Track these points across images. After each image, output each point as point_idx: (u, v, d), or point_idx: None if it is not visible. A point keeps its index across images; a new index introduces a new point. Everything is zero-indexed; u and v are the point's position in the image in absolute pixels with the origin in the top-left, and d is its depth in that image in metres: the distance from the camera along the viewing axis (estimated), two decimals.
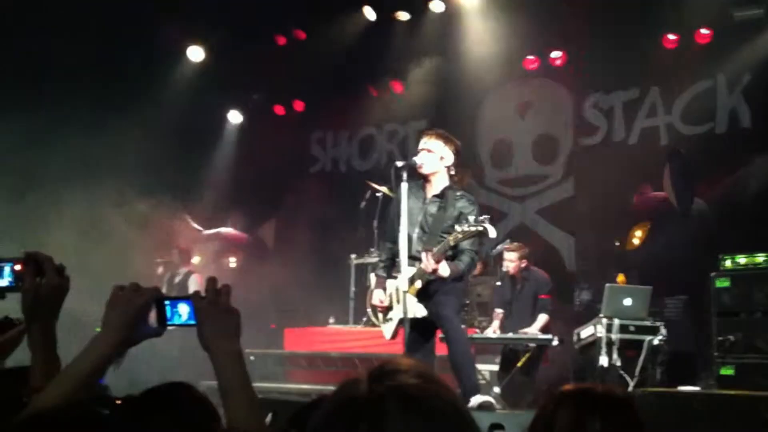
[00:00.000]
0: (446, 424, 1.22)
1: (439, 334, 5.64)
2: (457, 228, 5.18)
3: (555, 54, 10.03)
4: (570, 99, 10.21)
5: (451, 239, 5.20)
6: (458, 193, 5.54)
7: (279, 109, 12.10)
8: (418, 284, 5.40)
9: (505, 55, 10.11)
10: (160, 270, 9.40)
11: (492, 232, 5.21)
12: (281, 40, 11.41)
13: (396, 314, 5.59)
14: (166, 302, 1.94)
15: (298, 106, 12.04)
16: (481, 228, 5.10)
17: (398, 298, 5.52)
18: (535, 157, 10.43)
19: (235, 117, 12.16)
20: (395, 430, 1.19)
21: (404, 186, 5.47)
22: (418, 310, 5.41)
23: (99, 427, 1.74)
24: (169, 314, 1.94)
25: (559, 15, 9.50)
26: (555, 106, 10.35)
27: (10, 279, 2.01)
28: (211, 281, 1.92)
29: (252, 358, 9.08)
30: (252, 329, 9.79)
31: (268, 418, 4.66)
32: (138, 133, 10.03)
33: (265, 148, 11.56)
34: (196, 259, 9.64)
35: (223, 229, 11.03)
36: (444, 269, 5.22)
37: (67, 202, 9.14)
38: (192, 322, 1.91)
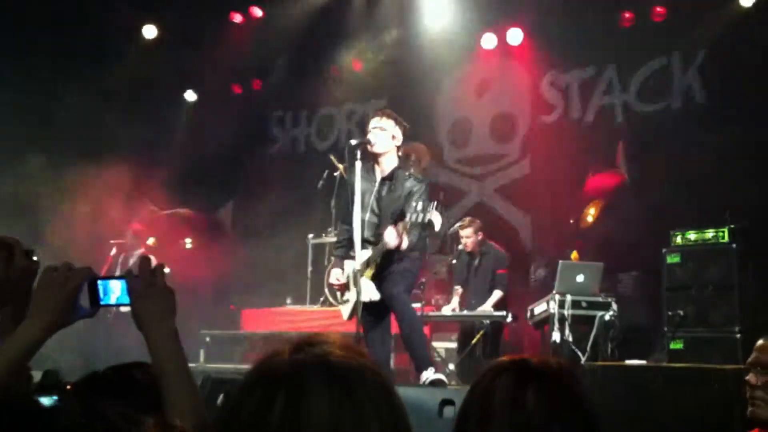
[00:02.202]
0: (369, 398, 1.18)
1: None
2: (406, 219, 5.19)
3: (512, 32, 10.04)
4: (527, 78, 10.23)
5: (400, 228, 5.22)
6: (407, 173, 5.58)
7: (236, 88, 11.98)
8: (372, 267, 5.44)
9: (463, 33, 10.10)
10: (113, 252, 9.28)
11: (437, 225, 5.33)
12: (238, 18, 11.28)
13: (352, 295, 5.60)
14: (99, 282, 1.91)
15: (256, 84, 11.92)
16: (425, 220, 5.14)
17: (354, 280, 5.53)
18: (493, 135, 10.46)
19: (190, 96, 12.00)
20: (315, 400, 1.15)
21: (358, 165, 5.51)
22: (373, 294, 5.45)
23: (31, 414, 1.71)
24: (102, 294, 1.90)
25: None
26: (512, 85, 10.37)
27: None
28: (145, 260, 1.90)
29: (208, 339, 9.06)
30: (210, 310, 9.78)
31: (220, 398, 4.67)
32: (92, 112, 9.88)
33: (222, 127, 11.44)
34: (150, 241, 9.52)
35: (179, 210, 10.91)
36: (405, 242, 5.25)
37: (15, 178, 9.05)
38: (126, 301, 1.88)
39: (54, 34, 10.18)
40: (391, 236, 5.24)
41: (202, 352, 9.03)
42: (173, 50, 11.10)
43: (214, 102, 11.82)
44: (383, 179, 5.58)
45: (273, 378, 1.18)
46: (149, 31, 11.26)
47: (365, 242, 5.50)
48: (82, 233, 9.17)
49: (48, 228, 8.95)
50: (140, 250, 9.23)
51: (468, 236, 8.14)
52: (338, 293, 5.93)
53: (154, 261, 1.92)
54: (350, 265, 5.69)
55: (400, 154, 5.66)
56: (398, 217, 5.40)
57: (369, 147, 5.53)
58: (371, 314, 5.53)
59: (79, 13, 10.14)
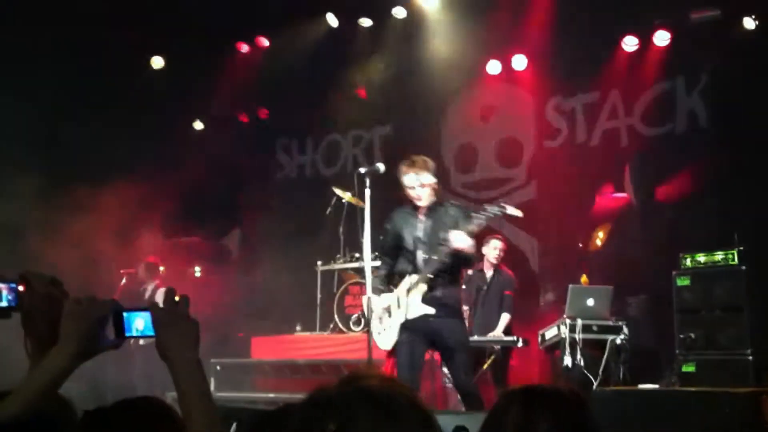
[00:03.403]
0: (410, 422, 1.28)
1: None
2: (475, 215, 5.69)
3: (517, 58, 10.12)
4: (532, 102, 10.30)
5: (472, 226, 5.64)
6: (445, 203, 5.97)
7: (243, 117, 12.08)
8: (423, 287, 5.73)
9: (467, 60, 10.18)
10: (124, 281, 9.32)
11: (514, 211, 6.01)
12: (244, 48, 11.40)
13: (395, 321, 5.83)
14: (124, 313, 1.94)
15: (262, 113, 12.02)
16: (502, 211, 5.81)
17: (398, 303, 5.82)
18: (499, 160, 10.51)
19: (198, 125, 12.09)
20: (363, 428, 1.24)
21: (367, 193, 5.83)
22: (426, 309, 5.70)
23: None
24: (127, 326, 1.94)
25: (520, 20, 9.60)
26: (517, 110, 10.44)
27: (9, 298, 1.99)
28: (170, 292, 1.93)
29: (218, 367, 9.04)
30: (219, 338, 9.78)
31: (233, 428, 4.67)
32: (97, 140, 9.96)
33: (229, 155, 11.53)
34: (160, 269, 9.57)
35: (187, 238, 10.96)
36: (468, 243, 5.66)
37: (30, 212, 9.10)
38: (150, 333, 1.91)
39: (61, 63, 10.29)
40: (459, 238, 5.56)
41: (212, 381, 9.03)
42: (180, 79, 11.22)
43: (220, 130, 11.92)
44: (426, 213, 5.86)
45: (323, 410, 1.27)
46: (157, 62, 11.38)
47: (416, 273, 5.79)
48: (85, 260, 9.20)
49: (47, 253, 8.97)
50: (154, 282, 9.29)
51: (498, 248, 8.26)
52: (376, 323, 6.00)
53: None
54: (390, 298, 5.91)
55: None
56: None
57: (416, 201, 5.82)
58: (413, 335, 5.75)
59: (87, 42, 10.25)
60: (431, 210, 5.85)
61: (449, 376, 7.87)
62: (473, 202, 10.53)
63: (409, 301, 5.72)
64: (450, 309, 5.79)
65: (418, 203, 5.82)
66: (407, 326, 5.73)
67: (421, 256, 5.79)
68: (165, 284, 9.44)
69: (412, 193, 5.79)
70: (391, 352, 5.89)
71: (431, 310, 5.69)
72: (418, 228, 5.83)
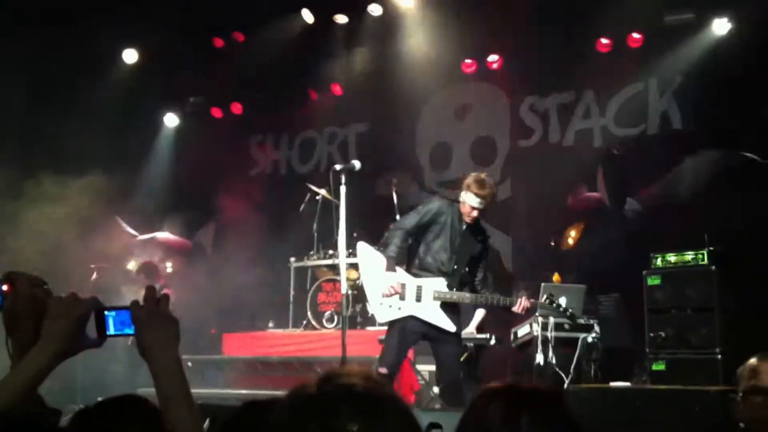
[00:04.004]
0: (392, 421, 1.28)
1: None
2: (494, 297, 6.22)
3: (492, 58, 10.16)
4: (507, 102, 10.35)
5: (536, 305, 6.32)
6: (486, 226, 6.54)
7: (216, 112, 11.99)
8: (445, 298, 6.14)
9: (443, 58, 10.20)
10: (94, 276, 9.22)
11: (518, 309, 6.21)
12: (219, 43, 11.32)
13: (407, 309, 6.07)
14: (106, 312, 1.93)
15: (236, 108, 11.95)
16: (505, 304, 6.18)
17: (418, 296, 6.12)
18: (474, 159, 10.55)
19: (171, 120, 12.00)
20: (345, 428, 1.23)
21: (342, 190, 5.94)
22: (448, 325, 6.11)
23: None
24: (108, 324, 1.92)
25: (496, 19, 9.63)
26: (492, 109, 10.49)
27: None
28: (150, 290, 1.92)
29: (189, 364, 8.98)
30: (191, 335, 9.71)
31: (206, 423, 4.65)
32: (69, 135, 9.84)
33: (202, 151, 11.45)
34: (131, 265, 9.48)
35: (159, 234, 10.87)
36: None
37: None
38: (132, 332, 1.90)
39: (32, 58, 10.16)
40: (520, 305, 6.07)
41: None
42: (154, 74, 11.12)
43: (194, 125, 11.84)
44: (469, 225, 6.24)
45: (305, 408, 1.26)
46: (129, 56, 11.26)
47: (441, 274, 6.18)
48: (55, 254, 9.08)
49: (18, 246, 8.85)
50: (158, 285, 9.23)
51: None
52: (376, 292, 6.23)
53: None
54: (413, 280, 6.18)
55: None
56: (477, 263, 6.35)
57: (465, 219, 6.21)
58: (417, 328, 6.12)
59: (61, 34, 10.13)
60: (477, 224, 6.30)
61: (422, 374, 7.91)
62: (448, 200, 10.59)
63: (433, 306, 6.10)
64: (456, 315, 6.24)
65: (466, 220, 6.19)
66: (417, 320, 6.10)
67: (447, 261, 6.17)
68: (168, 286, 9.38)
69: (469, 212, 6.15)
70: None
71: (452, 328, 6.11)
72: (458, 234, 6.19)
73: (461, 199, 6.19)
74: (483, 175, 6.27)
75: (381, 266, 6.21)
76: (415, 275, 6.22)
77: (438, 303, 6.11)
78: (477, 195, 6.08)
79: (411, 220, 6.29)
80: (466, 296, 6.18)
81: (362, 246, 6.51)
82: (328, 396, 1.26)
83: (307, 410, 1.25)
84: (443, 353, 6.21)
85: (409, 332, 6.13)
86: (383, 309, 6.18)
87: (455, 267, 6.19)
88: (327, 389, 1.27)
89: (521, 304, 6.05)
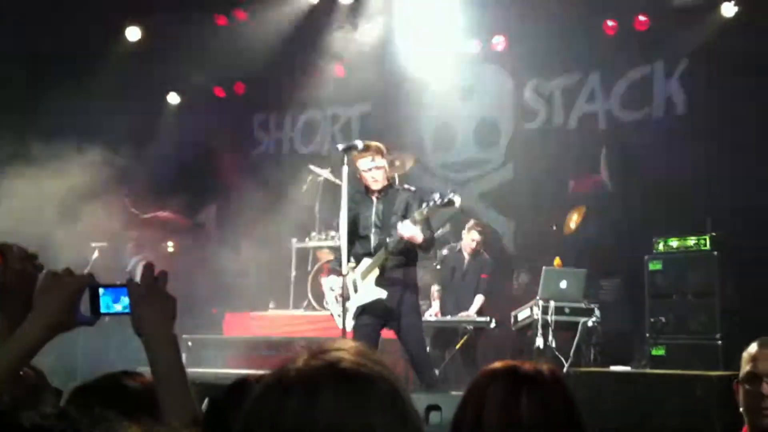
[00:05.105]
0: (379, 404, 1.20)
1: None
2: (418, 212, 5.74)
3: (497, 39, 10.09)
4: (511, 84, 10.29)
5: (416, 215, 5.72)
6: (397, 188, 6.21)
7: (219, 91, 11.94)
8: (376, 271, 5.92)
9: (447, 39, 10.13)
10: (96, 255, 9.22)
11: (457, 201, 5.82)
12: (221, 20, 11.24)
13: (352, 304, 5.98)
14: (101, 290, 1.90)
15: (239, 88, 11.89)
16: (448, 200, 5.71)
17: (355, 287, 5.97)
18: (477, 141, 10.51)
19: (173, 98, 11.95)
20: (326, 405, 1.17)
21: (345, 170, 5.85)
22: (380, 293, 5.87)
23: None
24: (103, 303, 1.90)
25: (501, 1, 9.57)
26: (496, 91, 10.42)
27: None
28: (149, 267, 1.90)
29: (189, 344, 9.00)
30: (192, 315, 9.73)
31: (205, 403, 4.66)
32: (71, 113, 9.80)
33: (205, 130, 11.41)
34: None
35: (161, 213, 10.85)
36: (419, 234, 5.77)
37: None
38: (127, 311, 1.87)
39: (34, 34, 10.10)
40: (406, 227, 5.69)
41: (184, 357, 8.95)
42: (156, 52, 11.05)
43: (196, 105, 11.78)
44: (378, 197, 6.05)
45: (286, 384, 1.21)
46: (132, 33, 11.20)
47: (369, 256, 5.97)
48: (56, 232, 9.07)
49: (20, 224, 8.82)
50: (138, 257, 9.24)
51: (475, 240, 8.24)
52: (333, 304, 6.15)
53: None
54: (350, 277, 5.99)
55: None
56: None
57: (372, 185, 5.99)
58: (369, 318, 5.95)
59: (64, 10, 10.06)
60: (383, 193, 6.05)
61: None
62: (451, 182, 10.57)
63: (364, 285, 5.92)
64: (402, 286, 5.97)
65: (374, 186, 6.01)
66: (364, 309, 5.95)
67: (374, 238, 5.99)
68: (144, 258, 9.39)
69: (367, 176, 5.97)
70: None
71: (383, 294, 5.87)
72: (372, 211, 6.03)
73: (359, 173, 6.00)
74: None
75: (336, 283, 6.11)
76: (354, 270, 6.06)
77: (371, 282, 5.91)
78: (362, 157, 5.91)
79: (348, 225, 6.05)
80: (380, 254, 5.89)
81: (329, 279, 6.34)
82: (311, 373, 1.20)
83: (288, 386, 1.20)
84: (401, 335, 6.02)
85: (361, 326, 5.96)
86: (340, 319, 6.03)
87: (378, 241, 5.96)
88: (312, 364, 1.22)
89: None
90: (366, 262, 5.96)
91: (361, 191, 6.15)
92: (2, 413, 1.56)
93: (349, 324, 6.02)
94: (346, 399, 1.19)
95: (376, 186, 6.01)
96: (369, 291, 5.92)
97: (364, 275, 5.94)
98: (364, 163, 5.96)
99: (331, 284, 6.19)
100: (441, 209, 5.90)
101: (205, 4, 10.89)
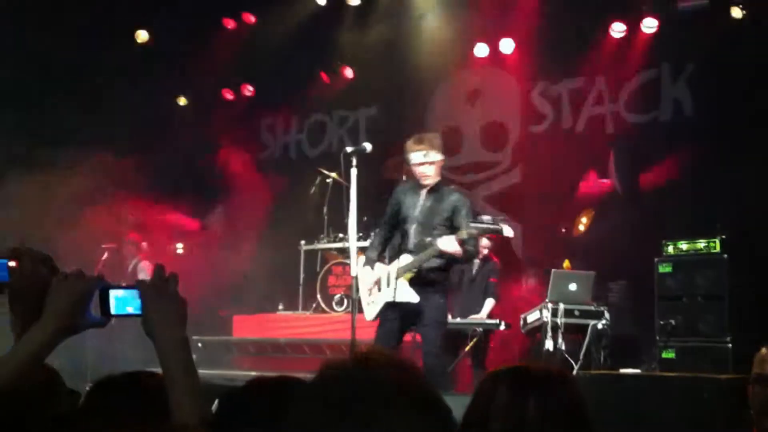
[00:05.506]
0: (428, 411, 1.27)
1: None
2: (463, 230, 5.58)
3: (504, 42, 10.09)
4: (518, 87, 10.29)
5: (464, 233, 5.57)
6: (451, 187, 6.09)
7: (227, 93, 11.97)
8: (412, 273, 5.79)
9: (454, 42, 10.14)
10: (105, 256, 9.25)
11: (508, 232, 5.79)
12: (230, 24, 11.28)
13: (382, 297, 5.91)
14: (111, 291, 1.90)
15: (247, 90, 11.92)
16: (498, 228, 5.69)
17: (388, 282, 5.86)
18: (484, 144, 10.51)
19: (182, 101, 11.97)
20: (383, 419, 1.22)
21: (353, 173, 5.76)
22: (411, 296, 5.77)
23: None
24: (113, 305, 1.90)
25: (508, 4, 9.56)
26: (503, 94, 10.42)
27: (1, 274, 1.94)
28: (159, 269, 1.90)
29: (200, 345, 9.03)
30: (200, 316, 9.74)
31: (215, 405, 4.67)
32: (80, 114, 9.84)
33: (213, 132, 11.43)
34: (142, 245, 9.51)
35: (169, 215, 10.88)
36: (460, 250, 5.63)
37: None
38: (137, 312, 1.88)
39: (42, 37, 10.13)
40: (448, 243, 5.56)
41: (194, 358, 8.97)
42: (165, 55, 11.09)
43: (205, 107, 11.81)
44: (428, 192, 5.86)
45: (342, 398, 1.26)
46: (142, 36, 11.24)
47: (407, 252, 5.85)
48: (64, 234, 9.10)
49: (28, 226, 8.86)
50: (137, 258, 9.24)
51: (487, 246, 8.22)
52: (365, 294, 6.06)
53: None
54: (382, 269, 5.97)
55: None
56: (448, 229, 5.75)
57: (421, 179, 5.81)
58: (394, 314, 5.84)
59: (73, 11, 10.10)
60: (434, 190, 5.86)
61: None
62: (458, 185, 10.56)
63: (398, 283, 5.80)
64: (434, 288, 5.85)
65: (424, 182, 5.82)
66: (392, 305, 5.85)
67: (414, 235, 5.84)
68: (148, 259, 9.41)
69: (418, 170, 5.79)
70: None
71: (416, 299, 5.77)
72: (418, 206, 5.86)
73: (409, 165, 5.89)
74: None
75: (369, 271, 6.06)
76: (391, 262, 6.02)
77: (406, 282, 5.81)
78: (414, 149, 5.76)
79: (386, 214, 6.06)
80: (420, 257, 5.77)
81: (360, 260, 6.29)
82: (358, 385, 1.24)
83: (343, 401, 1.25)
84: (422, 336, 5.96)
85: (385, 321, 5.91)
86: (368, 308, 6.04)
87: (422, 237, 5.83)
88: (356, 376, 1.26)
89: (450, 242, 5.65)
90: (405, 258, 5.82)
91: (410, 184, 5.99)
92: (16, 414, 1.58)
93: (374, 314, 5.99)
94: (398, 412, 1.27)
95: (426, 181, 5.81)
96: (402, 292, 5.80)
97: (400, 273, 5.81)
98: (416, 156, 5.77)
99: (364, 275, 5.98)
100: (486, 235, 5.87)
101: (214, 7, 10.92)
